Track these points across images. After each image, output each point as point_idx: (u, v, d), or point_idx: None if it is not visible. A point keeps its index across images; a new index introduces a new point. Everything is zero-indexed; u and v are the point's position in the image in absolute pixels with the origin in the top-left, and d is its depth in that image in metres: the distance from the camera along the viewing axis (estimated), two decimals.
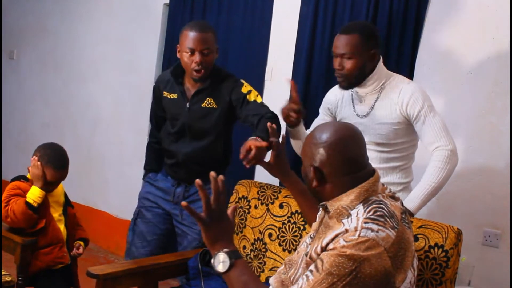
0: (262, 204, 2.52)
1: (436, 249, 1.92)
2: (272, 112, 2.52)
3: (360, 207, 1.54)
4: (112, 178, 4.66)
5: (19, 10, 5.48)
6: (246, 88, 2.61)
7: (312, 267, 1.45)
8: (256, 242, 2.49)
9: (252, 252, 2.48)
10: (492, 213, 2.74)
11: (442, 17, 2.92)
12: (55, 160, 2.55)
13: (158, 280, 2.47)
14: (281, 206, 2.43)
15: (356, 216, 1.51)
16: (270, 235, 2.43)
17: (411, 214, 2.14)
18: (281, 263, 2.31)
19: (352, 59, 2.28)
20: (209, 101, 2.62)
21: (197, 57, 2.48)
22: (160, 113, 2.81)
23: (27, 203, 2.44)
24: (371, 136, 2.36)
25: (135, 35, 4.48)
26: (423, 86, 2.90)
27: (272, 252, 2.40)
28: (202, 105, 2.62)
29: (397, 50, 3.00)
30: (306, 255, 1.59)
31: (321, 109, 2.68)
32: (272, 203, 2.47)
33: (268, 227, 2.44)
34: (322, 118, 2.66)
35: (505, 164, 2.71)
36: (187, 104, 2.64)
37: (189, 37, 2.48)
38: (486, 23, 2.78)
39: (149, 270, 2.40)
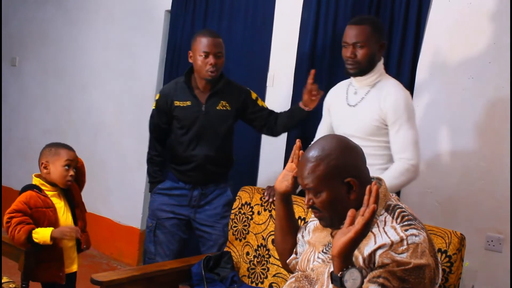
0: (265, 210, 2.52)
1: (439, 254, 1.92)
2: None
3: (386, 214, 1.62)
4: (114, 184, 4.66)
5: (21, 18, 5.49)
6: (254, 94, 2.94)
7: (376, 287, 1.47)
8: (259, 248, 2.49)
9: (256, 258, 2.49)
10: (495, 217, 2.74)
11: (443, 22, 2.92)
12: (62, 144, 2.68)
13: (162, 286, 2.48)
14: None
15: (385, 225, 1.58)
16: (273, 241, 2.43)
17: None
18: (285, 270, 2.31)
19: (364, 48, 2.40)
20: (224, 104, 2.83)
21: (211, 59, 2.71)
22: (164, 126, 2.91)
23: (31, 241, 2.41)
24: (353, 128, 2.46)
25: (137, 42, 4.48)
26: (424, 90, 2.93)
27: (275, 258, 2.40)
28: (217, 108, 2.82)
29: (398, 55, 3.00)
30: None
31: (324, 113, 2.75)
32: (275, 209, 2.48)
33: (272, 233, 2.45)
34: (326, 120, 2.73)
35: (507, 168, 2.71)
36: (203, 108, 2.80)
37: (203, 41, 2.73)
38: (487, 28, 2.79)
39: (153, 276, 2.40)
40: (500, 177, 2.73)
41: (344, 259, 1.41)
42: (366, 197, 1.44)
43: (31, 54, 5.41)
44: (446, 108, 2.89)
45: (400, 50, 3.00)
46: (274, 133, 2.97)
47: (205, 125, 2.81)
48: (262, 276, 2.44)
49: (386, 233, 1.55)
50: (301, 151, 1.94)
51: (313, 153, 1.67)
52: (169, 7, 4.22)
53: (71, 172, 2.62)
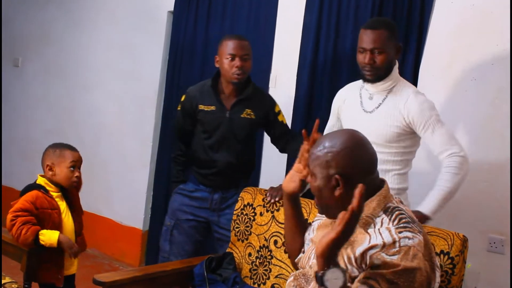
0: (267, 211, 2.52)
1: (442, 256, 1.92)
2: (294, 132, 3.00)
3: (383, 216, 1.61)
4: (116, 185, 4.66)
5: (23, 18, 5.50)
6: (277, 107, 2.91)
7: None
8: (261, 249, 2.49)
9: (258, 259, 2.49)
10: (497, 219, 2.74)
11: (446, 23, 2.92)
12: (65, 145, 2.70)
13: (164, 287, 2.48)
14: None
15: (382, 226, 1.58)
16: (275, 242, 2.43)
17: (427, 218, 2.17)
18: (287, 271, 2.32)
19: (383, 54, 2.34)
20: (248, 112, 2.82)
21: (237, 62, 2.70)
22: (188, 127, 2.92)
23: (37, 242, 2.44)
24: (371, 134, 2.28)
25: (139, 43, 4.49)
26: (426, 93, 2.92)
27: (277, 259, 2.40)
28: (241, 116, 2.81)
29: (401, 57, 2.98)
30: None
31: (331, 114, 2.71)
32: (278, 210, 2.48)
33: (274, 234, 2.45)
34: (332, 122, 2.70)
35: (510, 170, 2.71)
36: (227, 114, 2.79)
37: (230, 44, 2.72)
38: (490, 29, 2.79)
39: (155, 277, 2.41)
40: (502, 179, 2.73)
41: (327, 258, 1.41)
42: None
43: (33, 55, 5.41)
44: (449, 110, 2.89)
45: (403, 52, 2.99)
46: (282, 151, 2.99)
47: (228, 131, 2.80)
48: (264, 277, 2.44)
49: (380, 234, 1.55)
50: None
51: (324, 140, 1.70)
52: (171, 8, 4.23)
53: (77, 173, 2.64)
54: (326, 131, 2.70)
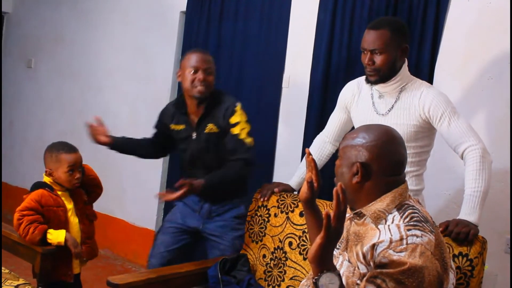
0: (282, 212, 2.50)
1: (460, 258, 1.89)
2: (244, 159, 2.60)
3: (396, 213, 1.61)
4: (129, 186, 4.66)
5: (36, 20, 5.52)
6: (235, 118, 2.65)
7: None
8: (276, 251, 2.47)
9: (272, 261, 2.47)
10: None
11: (462, 22, 2.89)
12: (62, 146, 2.67)
13: None
14: (301, 215, 2.41)
15: (393, 223, 1.58)
16: (290, 243, 2.41)
17: (475, 226, 2.03)
18: (302, 273, 2.30)
19: (383, 55, 2.25)
20: (211, 127, 2.68)
21: (200, 74, 2.61)
22: (161, 136, 2.93)
23: (44, 241, 2.46)
24: None
25: (152, 43, 4.49)
26: (443, 91, 2.89)
27: (292, 261, 2.38)
28: (205, 131, 2.69)
29: (416, 56, 2.97)
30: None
31: (338, 106, 2.64)
32: (292, 211, 2.46)
33: (288, 235, 2.43)
34: (338, 115, 2.64)
35: None
36: (194, 132, 2.72)
37: (193, 57, 2.65)
38: (506, 28, 2.75)
39: (169, 279, 2.40)
40: None
41: (319, 264, 1.43)
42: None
43: (46, 56, 5.43)
44: (465, 108, 2.84)
45: (418, 51, 2.97)
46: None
47: (197, 148, 2.72)
48: (279, 279, 2.42)
49: (389, 230, 1.55)
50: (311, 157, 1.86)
51: (361, 129, 1.74)
52: (184, 8, 4.22)
53: (77, 175, 2.64)
54: (329, 124, 2.66)
